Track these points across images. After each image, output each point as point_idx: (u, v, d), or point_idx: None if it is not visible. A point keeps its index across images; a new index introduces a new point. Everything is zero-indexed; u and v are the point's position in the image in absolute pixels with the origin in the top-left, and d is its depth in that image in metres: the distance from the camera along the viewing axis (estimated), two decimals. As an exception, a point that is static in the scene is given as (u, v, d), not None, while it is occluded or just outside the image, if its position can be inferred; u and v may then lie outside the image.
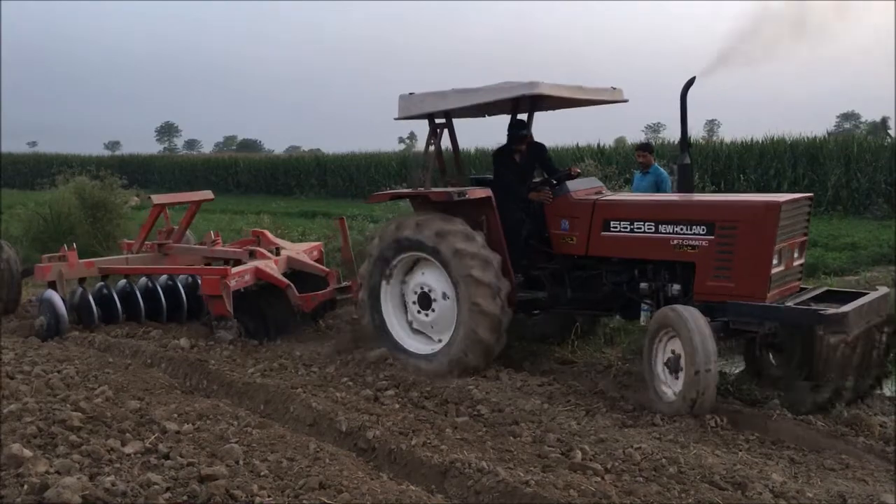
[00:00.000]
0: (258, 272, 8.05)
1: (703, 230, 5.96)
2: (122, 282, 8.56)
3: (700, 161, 24.46)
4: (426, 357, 6.72)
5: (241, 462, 4.54)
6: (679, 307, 5.57)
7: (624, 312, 6.91)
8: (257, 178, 40.35)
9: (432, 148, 7.16)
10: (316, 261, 9.18)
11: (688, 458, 4.66)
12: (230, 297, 7.54)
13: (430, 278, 6.82)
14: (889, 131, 21.28)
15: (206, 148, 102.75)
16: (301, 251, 9.20)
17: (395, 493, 4.20)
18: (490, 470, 4.45)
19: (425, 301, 6.87)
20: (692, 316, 5.40)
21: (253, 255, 8.67)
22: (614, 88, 7.18)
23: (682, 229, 6.07)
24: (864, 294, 5.86)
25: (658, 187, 8.89)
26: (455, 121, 7.43)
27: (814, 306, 5.66)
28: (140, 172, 41.58)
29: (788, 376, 5.94)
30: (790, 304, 5.79)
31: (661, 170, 9.18)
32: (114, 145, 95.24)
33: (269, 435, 5.04)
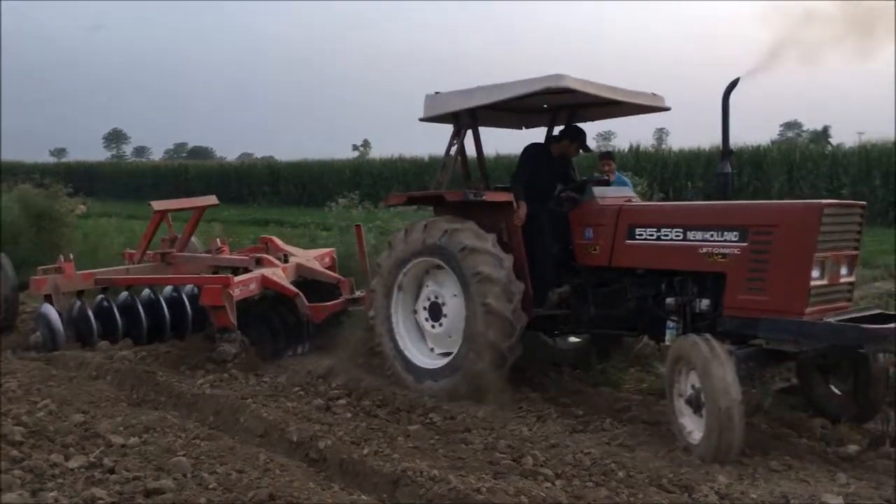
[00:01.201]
0: (265, 281, 7.61)
1: (736, 236, 5.34)
2: (124, 294, 8.09)
3: (649, 169, 24.95)
4: (435, 372, 6.28)
5: (188, 475, 4.48)
6: (692, 336, 5.03)
7: (652, 331, 6.20)
8: (209, 186, 39.81)
9: (454, 149, 6.72)
10: (328, 268, 8.77)
11: (636, 462, 4.72)
12: (233, 308, 7.06)
13: (441, 286, 6.41)
14: (830, 140, 21.80)
15: (156, 155, 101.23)
16: (312, 258, 8.76)
17: (347, 503, 4.19)
18: (442, 478, 4.45)
19: (436, 312, 6.46)
20: (708, 346, 4.82)
21: (260, 262, 8.24)
22: (654, 94, 6.68)
23: (712, 235, 5.47)
24: None
25: None
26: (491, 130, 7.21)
27: (856, 323, 4.96)
28: (87, 180, 40.78)
29: (851, 405, 5.49)
30: (831, 320, 5.07)
31: (625, 178, 9.23)
32: (59, 152, 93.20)
33: (218, 447, 4.97)
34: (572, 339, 7.28)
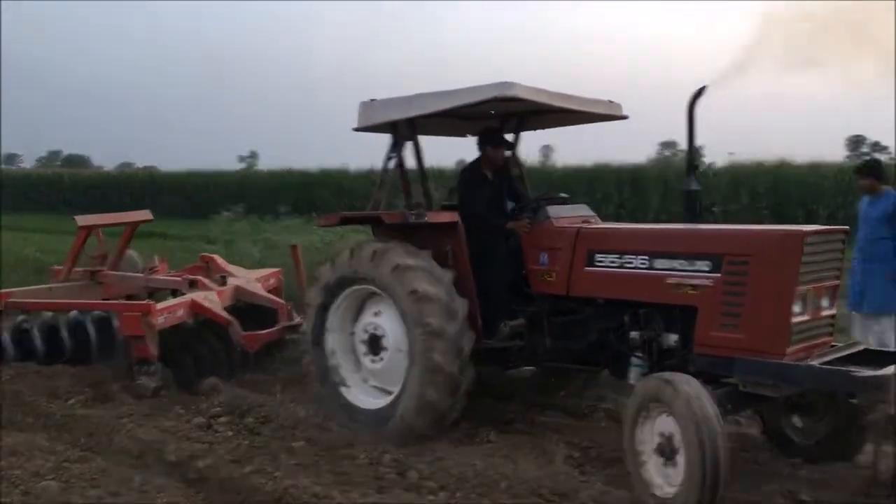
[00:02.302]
0: (194, 306, 6.99)
1: (708, 266, 4.79)
2: (48, 315, 7.46)
3: (535, 185, 25.54)
4: (374, 413, 5.69)
5: (57, 500, 4.28)
6: (669, 376, 4.41)
7: (614, 368, 5.60)
8: (86, 197, 38.16)
9: (392, 163, 6.17)
10: (273, 290, 8.16)
11: (518, 473, 4.81)
12: (154, 338, 6.50)
13: (383, 318, 5.76)
14: (703, 159, 22.88)
15: (28, 163, 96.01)
16: (254, 279, 8.12)
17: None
18: (325, 494, 4.46)
19: (375, 345, 5.81)
20: (690, 387, 4.24)
21: (194, 285, 7.57)
22: (611, 102, 6.22)
23: (681, 264, 4.91)
24: None
25: None
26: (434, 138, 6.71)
27: (846, 367, 4.45)
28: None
29: (821, 447, 5.05)
30: (815, 363, 4.55)
31: None
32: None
33: (90, 469, 4.80)
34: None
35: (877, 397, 4.20)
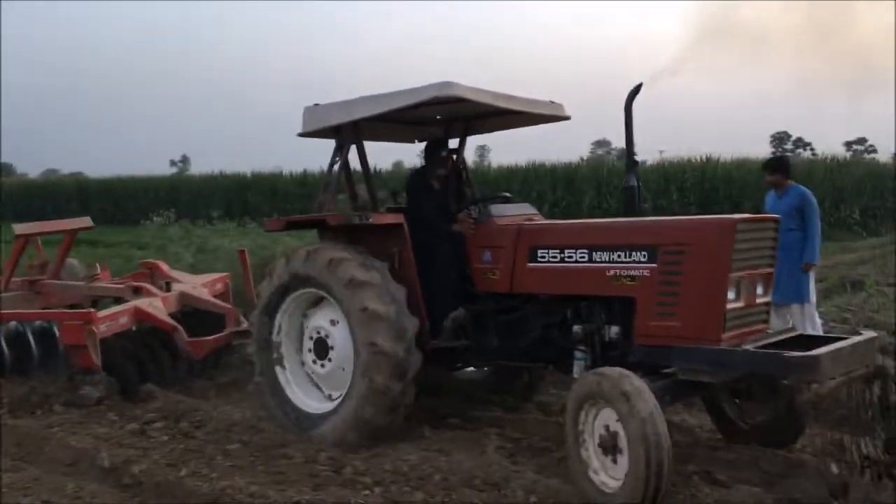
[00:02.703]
0: (138, 313, 6.89)
1: (645, 257, 4.88)
2: None
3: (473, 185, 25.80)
4: (321, 417, 5.63)
5: (-12, 510, 4.25)
6: (607, 370, 4.45)
7: (558, 362, 5.62)
8: (8, 204, 37.01)
9: (337, 167, 6.12)
10: (220, 295, 8.05)
11: (451, 465, 4.93)
12: (96, 347, 6.36)
13: (327, 322, 5.74)
14: (634, 157, 23.34)
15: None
16: (200, 284, 8.02)
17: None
18: (261, 494, 4.51)
19: (322, 349, 5.76)
20: (626, 381, 4.27)
21: (138, 291, 7.48)
22: (553, 102, 6.23)
23: (619, 256, 5.00)
24: (845, 338, 4.76)
25: None
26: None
27: (778, 350, 4.55)
28: None
29: (758, 432, 5.21)
30: (749, 347, 4.66)
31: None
32: None
33: (22, 478, 4.77)
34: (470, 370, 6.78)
35: (807, 377, 4.31)
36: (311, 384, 5.92)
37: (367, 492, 4.60)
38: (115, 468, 5.01)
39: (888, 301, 10.42)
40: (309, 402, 5.83)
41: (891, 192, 25.60)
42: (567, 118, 6.36)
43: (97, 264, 8.82)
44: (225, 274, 8.57)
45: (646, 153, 30.86)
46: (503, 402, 6.53)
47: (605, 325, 5.18)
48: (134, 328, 6.91)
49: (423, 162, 6.57)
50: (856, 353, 4.53)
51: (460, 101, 5.53)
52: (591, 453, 4.43)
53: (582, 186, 25.56)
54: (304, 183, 32.28)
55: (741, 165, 24.43)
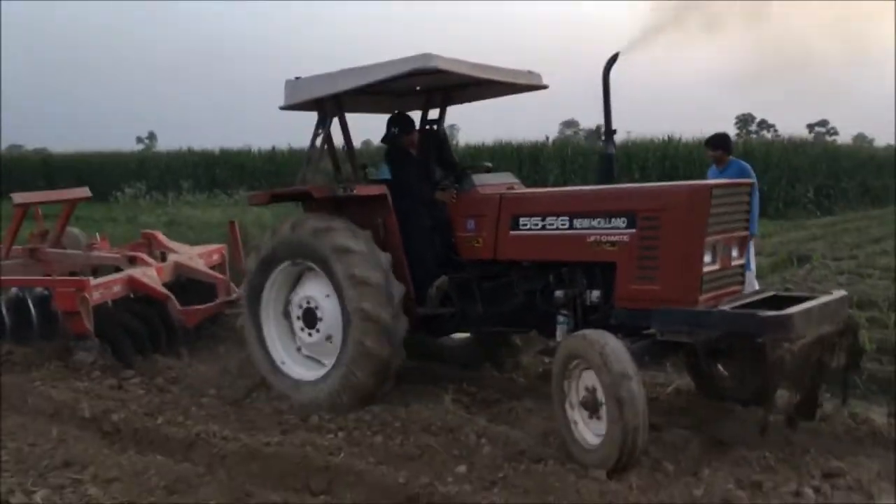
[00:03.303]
0: (132, 282, 7.06)
1: (624, 223, 5.03)
2: None
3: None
4: (313, 383, 5.75)
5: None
6: (587, 332, 4.64)
7: (542, 327, 5.78)
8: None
9: (320, 140, 6.16)
10: (216, 266, 8.20)
11: (410, 414, 5.34)
12: (89, 314, 6.51)
13: (315, 290, 5.86)
14: (612, 126, 23.73)
15: None
16: (196, 255, 8.16)
17: (142, 463, 4.51)
18: (233, 437, 4.90)
19: (310, 318, 5.87)
20: (605, 342, 4.44)
21: (133, 261, 7.64)
22: (531, 72, 6.28)
23: (599, 223, 5.14)
24: (816, 297, 4.94)
25: None
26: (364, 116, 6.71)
27: (752, 310, 4.70)
28: None
29: (735, 390, 5.41)
30: (725, 308, 4.82)
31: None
32: None
33: (7, 426, 5.08)
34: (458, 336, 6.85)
35: (780, 336, 4.38)
36: (299, 352, 6.07)
37: (331, 436, 5.01)
38: (95, 417, 5.36)
39: (830, 273, 11.01)
40: (298, 369, 5.97)
41: (845, 172, 26.42)
42: (545, 87, 6.44)
43: (97, 234, 8.96)
44: (221, 245, 8.70)
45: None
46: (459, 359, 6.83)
47: (586, 290, 5.33)
48: (132, 296, 7.12)
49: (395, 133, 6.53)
50: (826, 312, 4.69)
51: (440, 72, 5.60)
52: (576, 412, 4.62)
53: (547, 165, 26.03)
54: (273, 159, 32.46)
55: (701, 145, 25.01)
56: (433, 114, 6.83)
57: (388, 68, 5.63)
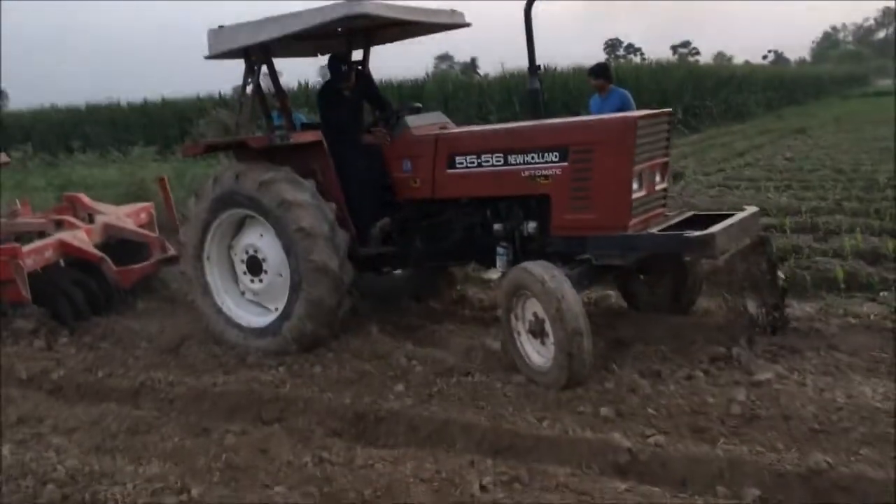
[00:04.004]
0: (63, 246, 6.93)
1: (556, 157, 5.25)
2: None
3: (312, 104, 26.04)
4: (261, 330, 5.89)
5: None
6: (529, 265, 4.91)
7: (480, 259, 6.17)
8: None
9: (250, 88, 6.19)
10: (145, 224, 8.04)
11: (342, 345, 5.72)
12: (24, 280, 6.42)
13: (258, 239, 5.96)
14: (478, 70, 24.34)
15: None
16: (124, 215, 7.99)
17: (97, 412, 4.75)
18: (178, 381, 5.18)
19: (255, 266, 5.99)
20: (546, 272, 4.76)
21: (60, 225, 7.44)
22: (454, 11, 6.39)
23: (533, 158, 5.35)
24: (732, 215, 5.33)
25: None
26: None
27: (679, 231, 5.06)
28: None
29: (661, 301, 5.89)
30: (654, 230, 5.21)
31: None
32: None
33: (-53, 392, 5.15)
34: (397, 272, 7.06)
35: (706, 254, 4.78)
36: (246, 300, 6.16)
37: (273, 371, 5.35)
38: (33, 378, 5.53)
39: (702, 187, 11.96)
40: (246, 316, 6.06)
41: (709, 91, 27.97)
42: (468, 25, 6.53)
43: (16, 200, 8.62)
44: (149, 204, 8.58)
45: (489, 66, 31.89)
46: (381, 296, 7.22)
47: (523, 222, 5.59)
48: (62, 262, 7.00)
49: (327, 76, 6.64)
50: (743, 227, 5.13)
51: (367, 17, 5.69)
52: (524, 339, 4.96)
53: (429, 102, 26.28)
54: (146, 112, 31.37)
55: (577, 73, 25.87)
56: (357, 55, 6.85)
57: (315, 15, 5.66)
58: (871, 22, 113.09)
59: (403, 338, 5.95)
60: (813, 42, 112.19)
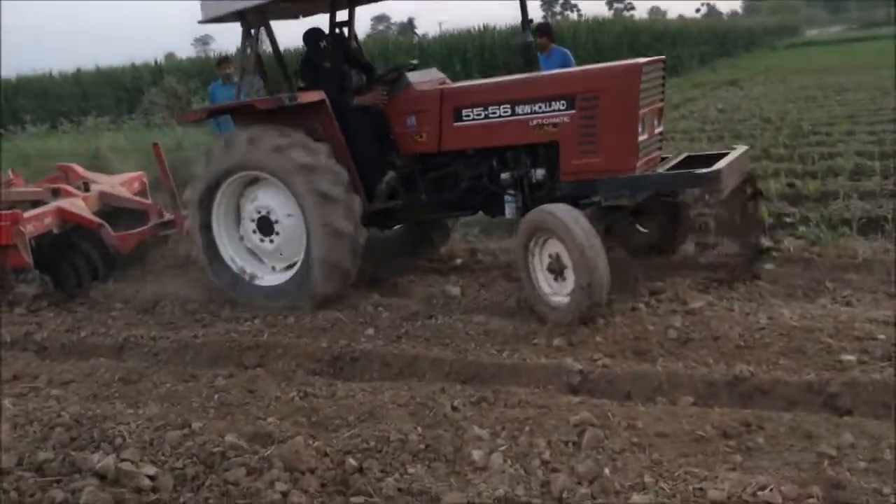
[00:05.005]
0: (62, 213, 7.01)
1: (564, 105, 5.44)
2: None
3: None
4: (276, 288, 6.07)
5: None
6: (551, 207, 5.12)
7: (487, 209, 6.31)
8: None
9: (249, 52, 6.23)
10: (138, 193, 8.13)
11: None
12: (27, 246, 6.52)
13: (270, 199, 6.06)
14: (416, 31, 24.55)
15: None
16: (118, 184, 8.09)
17: (87, 367, 5.08)
18: (160, 336, 5.54)
19: (266, 226, 6.10)
20: (568, 214, 4.99)
21: (57, 193, 7.48)
22: None
23: (540, 107, 5.53)
24: (726, 154, 5.60)
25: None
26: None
27: (688, 170, 5.33)
28: None
29: (659, 242, 6.19)
30: (661, 170, 5.52)
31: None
32: None
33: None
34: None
35: (714, 188, 5.00)
36: (254, 258, 6.29)
37: (248, 323, 5.73)
38: (17, 341, 5.81)
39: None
40: (256, 273, 6.22)
41: (644, 46, 28.59)
42: None
43: (9, 170, 8.53)
44: (140, 173, 8.65)
45: (427, 26, 32.02)
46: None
47: (530, 170, 5.79)
48: (56, 231, 7.02)
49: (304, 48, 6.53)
50: (738, 166, 5.45)
51: None
52: (541, 277, 5.25)
53: (372, 63, 26.42)
54: (79, 82, 30.74)
55: (516, 30, 26.20)
56: (341, 15, 6.85)
57: None
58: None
59: (368, 289, 6.33)
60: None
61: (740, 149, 5.79)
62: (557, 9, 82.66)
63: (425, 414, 3.97)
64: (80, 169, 8.24)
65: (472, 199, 6.20)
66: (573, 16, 50.60)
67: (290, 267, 6.12)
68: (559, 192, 5.61)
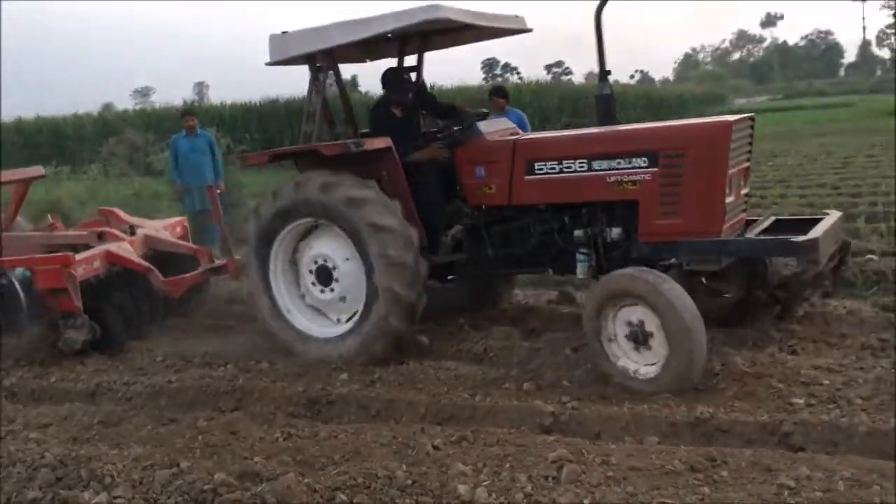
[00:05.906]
0: (110, 256, 6.86)
1: (645, 162, 5.18)
2: None
3: (206, 121, 25.99)
4: (338, 338, 5.82)
5: None
6: (632, 271, 4.88)
7: (556, 267, 6.01)
8: None
9: (316, 95, 6.10)
10: (180, 238, 8.04)
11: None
12: (77, 290, 6.31)
13: (325, 247, 5.89)
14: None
15: None
16: (162, 228, 7.97)
17: (63, 411, 5.12)
18: (133, 381, 5.61)
19: (325, 276, 5.91)
20: (658, 278, 4.74)
21: (103, 237, 7.36)
22: (517, 16, 6.32)
23: (619, 164, 5.27)
24: (819, 219, 5.34)
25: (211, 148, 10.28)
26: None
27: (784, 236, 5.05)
28: None
29: (744, 309, 5.80)
30: (750, 235, 5.26)
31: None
32: None
33: None
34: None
35: (811, 257, 4.86)
36: (314, 311, 6.08)
37: (222, 368, 5.84)
38: None
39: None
40: (314, 327, 6.00)
41: (588, 109, 29.70)
42: (529, 30, 6.47)
43: (49, 216, 8.42)
44: (182, 217, 8.56)
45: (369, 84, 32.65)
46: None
47: (606, 228, 5.52)
48: (102, 275, 6.85)
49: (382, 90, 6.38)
50: (833, 232, 5.18)
51: (447, 22, 5.59)
52: (620, 345, 4.92)
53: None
54: (21, 130, 30.33)
55: (461, 92, 26.97)
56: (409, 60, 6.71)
57: (391, 20, 5.58)
58: (727, 44, 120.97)
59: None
60: (675, 62, 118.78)
61: (833, 214, 5.59)
62: (498, 71, 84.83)
63: (408, 452, 4.15)
64: (122, 213, 8.10)
65: (541, 256, 5.95)
66: (513, 78, 52.04)
67: (352, 318, 5.90)
68: (636, 253, 5.40)
